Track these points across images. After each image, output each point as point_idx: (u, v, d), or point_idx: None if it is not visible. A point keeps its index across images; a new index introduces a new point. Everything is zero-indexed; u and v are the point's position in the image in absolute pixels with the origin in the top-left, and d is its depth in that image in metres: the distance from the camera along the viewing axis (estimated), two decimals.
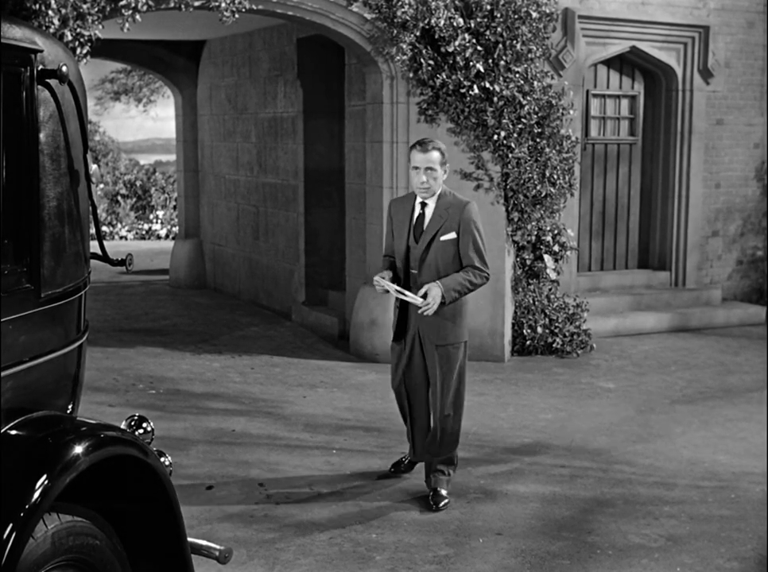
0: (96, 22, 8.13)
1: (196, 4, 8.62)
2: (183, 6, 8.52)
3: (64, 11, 7.90)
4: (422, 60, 9.27)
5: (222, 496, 6.01)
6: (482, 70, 9.20)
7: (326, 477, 6.39)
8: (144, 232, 24.25)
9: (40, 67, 2.71)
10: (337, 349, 10.54)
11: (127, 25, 8.32)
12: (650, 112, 12.17)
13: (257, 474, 6.42)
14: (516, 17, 9.32)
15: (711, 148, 12.21)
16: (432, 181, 5.72)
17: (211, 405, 8.22)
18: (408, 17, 9.10)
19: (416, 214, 5.84)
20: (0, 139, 2.66)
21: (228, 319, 12.37)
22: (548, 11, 9.57)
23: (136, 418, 3.36)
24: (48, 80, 2.74)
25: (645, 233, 12.37)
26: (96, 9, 8.11)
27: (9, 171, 2.69)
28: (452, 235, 5.71)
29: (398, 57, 9.27)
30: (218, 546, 3.54)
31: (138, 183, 26.20)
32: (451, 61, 9.23)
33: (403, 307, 5.87)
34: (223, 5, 8.57)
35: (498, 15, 9.26)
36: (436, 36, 9.20)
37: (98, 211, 3.09)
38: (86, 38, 8.07)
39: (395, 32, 9.16)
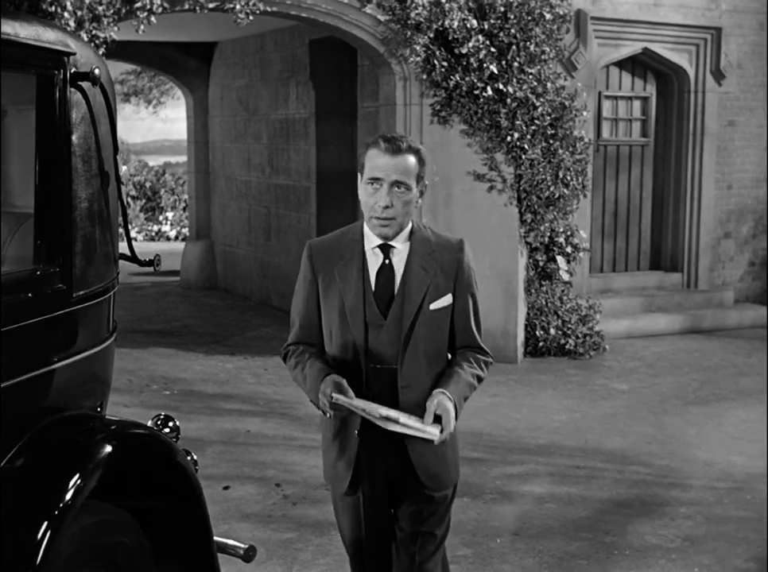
0: (111, 24, 8.16)
1: (211, 6, 8.65)
2: (198, 8, 8.55)
3: (79, 13, 7.93)
4: (436, 62, 9.29)
5: (239, 496, 6.04)
6: (495, 71, 9.22)
7: None
8: (153, 233, 24.30)
9: (73, 69, 2.74)
10: None
11: (142, 26, 8.36)
12: (662, 113, 12.17)
13: (274, 475, 6.44)
14: (529, 18, 9.34)
15: (723, 149, 12.21)
16: (401, 206, 3.22)
17: (225, 406, 8.24)
18: (421, 19, 9.12)
19: (374, 267, 3.32)
20: (34, 141, 2.69)
21: (240, 320, 12.39)
22: (561, 12, 9.58)
23: (162, 417, 3.39)
24: (80, 83, 2.77)
25: (657, 235, 12.38)
26: (111, 11, 8.14)
27: (43, 172, 2.71)
28: (448, 300, 3.36)
29: (412, 59, 9.29)
30: (242, 545, 3.57)
31: (148, 185, 26.25)
32: (464, 63, 9.25)
33: (364, 433, 3.33)
34: (238, 6, 8.59)
35: (512, 17, 9.28)
36: (450, 38, 9.22)
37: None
38: (101, 40, 8.10)
39: (409, 33, 9.18)
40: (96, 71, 2.75)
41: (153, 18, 8.35)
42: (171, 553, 3.21)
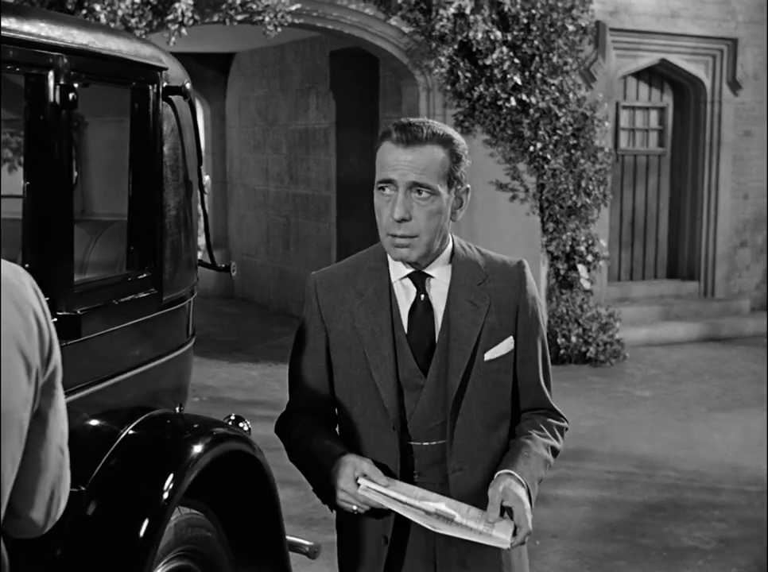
0: (144, 36, 8.30)
1: (239, 18, 8.78)
2: (227, 20, 8.69)
3: (112, 25, 8.07)
4: (459, 73, 9.42)
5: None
6: (519, 82, 9.36)
7: None
8: None
9: (165, 84, 2.86)
10: None
11: (173, 38, 8.50)
12: (679, 123, 12.30)
13: None
14: (552, 30, 9.48)
15: (740, 159, 12.33)
16: (424, 218, 2.33)
17: (255, 412, 8.34)
18: (446, 31, 9.25)
19: (405, 306, 2.46)
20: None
21: (260, 329, 12.51)
22: (583, 24, 9.72)
23: (233, 417, 3.50)
24: (171, 96, 2.90)
25: (674, 244, 12.50)
26: (144, 24, 8.28)
27: (136, 182, 2.84)
28: (508, 345, 2.47)
29: (437, 70, 9.42)
30: (307, 542, 3.68)
31: None
32: (488, 74, 9.39)
33: (397, 538, 2.44)
34: (267, 19, 8.73)
35: (535, 28, 9.42)
36: (474, 50, 9.35)
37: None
38: None
39: (434, 45, 9.32)
40: (187, 85, 2.89)
41: (183, 30, 8.48)
42: (246, 549, 3.32)
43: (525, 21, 9.42)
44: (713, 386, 9.43)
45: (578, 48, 9.80)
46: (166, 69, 2.84)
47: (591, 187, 9.82)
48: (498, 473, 2.39)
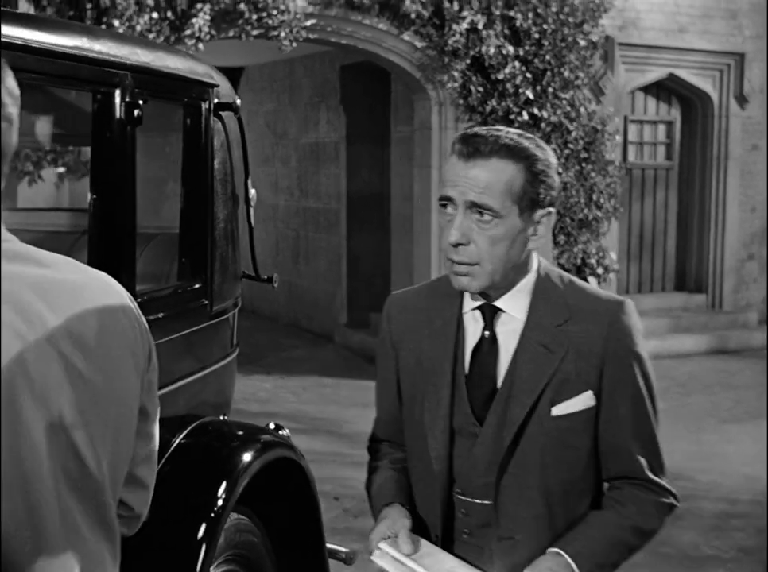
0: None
1: (255, 33, 8.88)
2: (244, 35, 8.79)
3: None
4: (472, 87, 9.52)
5: None
6: (531, 97, 9.46)
7: None
8: None
9: (216, 100, 2.95)
10: None
11: (190, 53, 8.58)
12: (687, 137, 12.40)
13: (331, 489, 6.61)
14: (563, 45, 9.58)
15: (747, 172, 12.43)
16: (486, 244, 2.02)
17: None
18: (459, 46, 9.35)
19: (471, 341, 2.17)
20: (181, 166, 2.90)
21: (270, 341, 12.57)
22: (594, 39, 9.83)
23: (273, 425, 3.57)
24: (221, 112, 2.98)
25: (682, 257, 12.59)
26: (162, 39, 8.37)
27: (189, 195, 2.92)
28: (585, 401, 2.11)
29: (449, 84, 9.52)
30: (343, 548, 3.74)
31: None
32: (500, 88, 9.49)
33: None
34: (283, 34, 8.83)
35: (546, 43, 9.52)
36: (486, 64, 9.45)
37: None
38: None
39: (446, 60, 9.41)
40: (238, 102, 2.97)
41: (200, 45, 8.58)
42: (288, 554, 3.40)
43: (537, 36, 9.52)
44: (723, 398, 9.50)
45: (589, 62, 9.90)
46: (218, 86, 2.93)
47: (602, 201, 9.91)
48: (547, 551, 2.06)
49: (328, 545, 3.70)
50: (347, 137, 12.10)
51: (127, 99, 2.41)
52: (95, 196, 2.39)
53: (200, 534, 2.63)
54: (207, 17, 8.43)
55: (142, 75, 2.50)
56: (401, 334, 2.24)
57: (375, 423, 2.42)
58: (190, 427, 2.93)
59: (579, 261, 10.08)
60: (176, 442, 2.86)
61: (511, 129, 2.07)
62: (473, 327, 2.14)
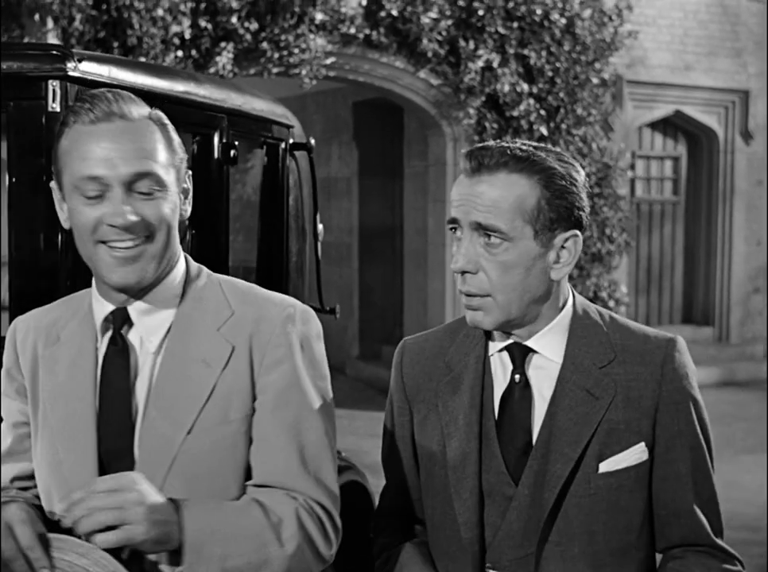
0: None
1: (276, 71, 9.08)
2: (265, 73, 8.98)
3: None
4: (486, 124, 9.71)
5: None
6: (545, 133, 9.65)
7: None
8: None
9: (291, 140, 3.10)
10: None
11: None
12: (693, 173, 12.61)
13: None
14: (576, 82, 9.79)
15: (753, 207, 12.62)
16: (496, 272, 1.75)
17: None
18: (474, 84, 9.55)
19: (500, 388, 1.85)
20: (258, 202, 3.05)
21: None
22: (606, 77, 10.06)
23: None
24: (296, 151, 3.14)
25: (689, 290, 12.76)
26: None
27: (266, 229, 3.07)
28: (638, 454, 1.82)
29: (465, 121, 9.71)
30: None
31: None
32: (515, 125, 9.68)
33: None
34: (303, 72, 9.03)
35: (559, 81, 9.73)
36: (501, 101, 9.65)
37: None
38: None
39: (462, 97, 9.61)
40: (312, 142, 3.13)
41: None
42: (344, 567, 3.51)
43: (550, 74, 9.73)
44: (736, 429, 9.63)
45: (600, 100, 10.11)
46: (293, 127, 3.09)
47: (614, 235, 10.08)
48: None
49: None
50: (360, 171, 12.29)
51: (224, 140, 2.56)
52: (193, 232, 2.53)
53: None
54: (231, 56, 8.63)
55: (234, 117, 2.66)
56: (416, 384, 1.94)
57: (383, 493, 2.09)
58: None
59: (591, 294, 10.23)
60: None
61: (529, 142, 1.81)
62: (501, 371, 1.84)
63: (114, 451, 1.66)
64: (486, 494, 1.81)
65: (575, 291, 1.90)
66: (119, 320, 1.68)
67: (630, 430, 1.78)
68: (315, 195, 3.36)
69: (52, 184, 1.66)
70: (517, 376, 1.81)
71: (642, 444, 1.80)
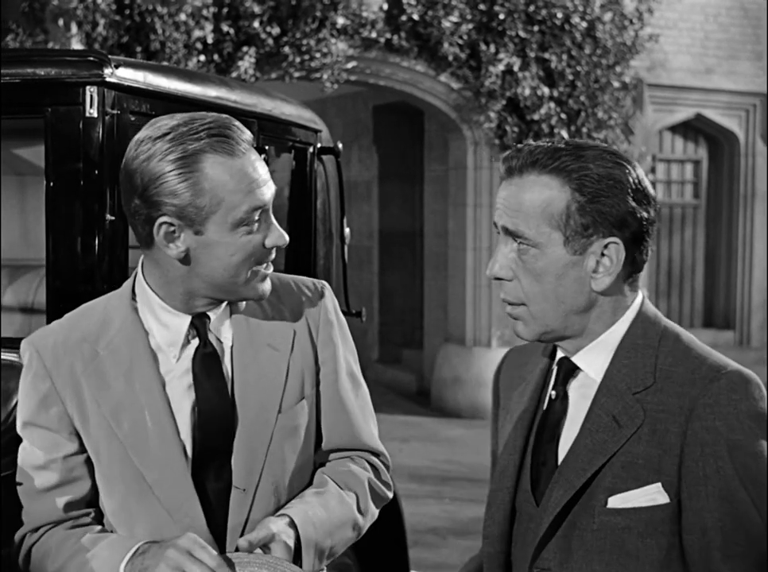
0: None
1: (297, 75, 9.12)
2: (287, 77, 9.03)
3: None
4: (507, 128, 9.73)
5: None
6: (566, 137, 9.65)
7: (447, 523, 6.70)
8: None
9: (319, 144, 3.13)
10: (417, 405, 10.88)
11: None
12: (713, 176, 12.58)
13: None
14: (597, 86, 9.80)
15: None
16: (528, 279, 1.66)
17: None
18: (495, 88, 9.58)
19: (545, 402, 1.78)
20: (287, 206, 3.08)
21: None
22: (627, 80, 10.06)
23: None
24: (323, 155, 3.17)
25: (709, 294, 12.73)
26: None
27: (294, 233, 3.10)
28: (653, 495, 1.60)
29: (486, 125, 9.73)
30: None
31: None
32: (536, 128, 9.70)
33: None
34: (325, 76, 9.07)
35: (580, 84, 9.75)
36: (522, 105, 9.67)
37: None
38: None
39: (483, 101, 9.63)
40: (339, 146, 3.16)
41: None
42: None
43: (571, 77, 9.74)
44: None
45: (621, 103, 10.12)
46: (321, 131, 3.11)
47: None
48: None
49: None
50: (380, 175, 12.32)
51: (254, 145, 2.59)
52: None
53: None
54: (252, 60, 8.67)
55: (264, 122, 2.69)
56: (503, 392, 1.90)
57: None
58: None
59: None
60: None
61: (569, 140, 1.68)
62: (552, 386, 1.76)
63: (213, 449, 1.78)
64: (517, 510, 1.75)
65: (647, 306, 1.73)
66: (203, 326, 1.79)
67: (650, 467, 1.60)
68: (342, 198, 3.38)
69: (166, 218, 1.69)
70: (553, 393, 1.72)
71: (659, 485, 1.59)
